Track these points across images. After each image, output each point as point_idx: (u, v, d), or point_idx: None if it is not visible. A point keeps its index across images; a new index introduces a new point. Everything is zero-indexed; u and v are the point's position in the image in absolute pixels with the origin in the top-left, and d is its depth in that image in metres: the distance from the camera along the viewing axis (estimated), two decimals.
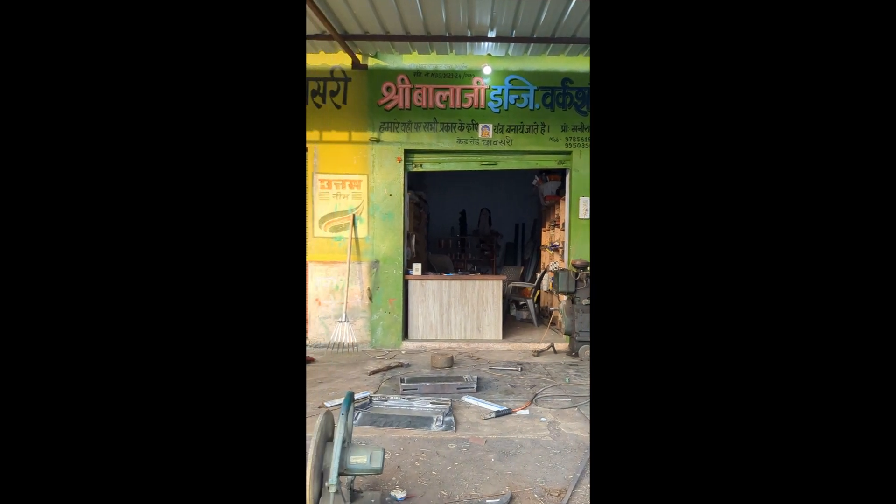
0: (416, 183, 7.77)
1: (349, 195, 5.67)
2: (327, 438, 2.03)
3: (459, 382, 3.98)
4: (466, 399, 3.74)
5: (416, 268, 5.85)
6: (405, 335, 5.74)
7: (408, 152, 5.73)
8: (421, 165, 5.85)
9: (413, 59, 5.62)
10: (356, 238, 5.67)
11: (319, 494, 1.90)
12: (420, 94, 5.65)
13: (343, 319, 5.55)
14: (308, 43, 5.19)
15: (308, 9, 4.38)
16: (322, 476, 1.92)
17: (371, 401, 3.58)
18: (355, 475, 2.03)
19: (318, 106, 5.62)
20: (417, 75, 5.64)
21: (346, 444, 1.98)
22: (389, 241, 5.70)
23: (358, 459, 1.96)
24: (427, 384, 3.93)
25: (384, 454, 2.03)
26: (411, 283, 5.77)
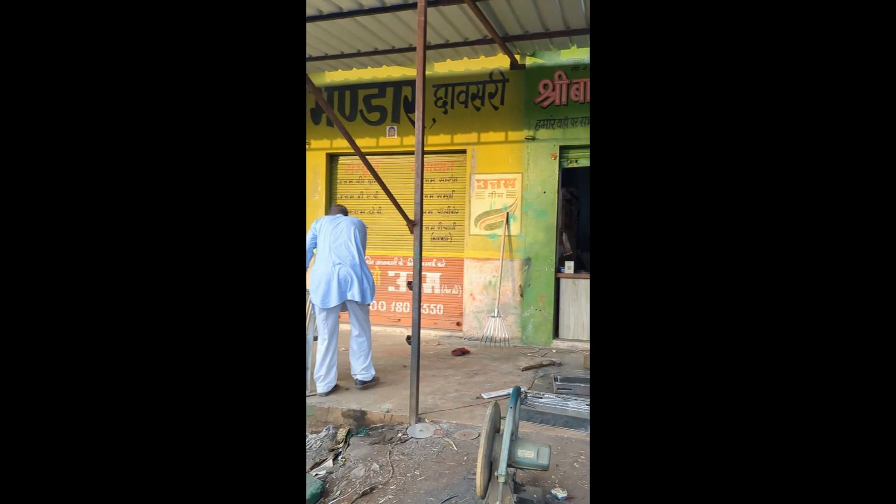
0: (567, 180, 7.62)
1: (504, 194, 5.79)
2: (495, 429, 2.14)
3: None
4: None
5: (569, 266, 5.76)
6: (555, 334, 5.69)
7: (563, 149, 5.65)
8: (576, 161, 5.73)
9: (571, 54, 5.51)
10: (509, 236, 5.77)
11: (489, 481, 2.02)
12: (577, 89, 5.52)
13: (495, 315, 5.71)
14: (469, 48, 5.41)
15: (473, 14, 4.57)
16: (491, 465, 2.03)
17: (526, 396, 3.64)
18: (520, 468, 2.11)
19: (477, 109, 5.83)
20: (575, 70, 5.52)
21: (514, 438, 2.06)
22: (541, 238, 5.70)
23: (526, 454, 2.03)
24: (582, 385, 3.87)
25: (550, 451, 2.08)
26: (563, 282, 5.70)
